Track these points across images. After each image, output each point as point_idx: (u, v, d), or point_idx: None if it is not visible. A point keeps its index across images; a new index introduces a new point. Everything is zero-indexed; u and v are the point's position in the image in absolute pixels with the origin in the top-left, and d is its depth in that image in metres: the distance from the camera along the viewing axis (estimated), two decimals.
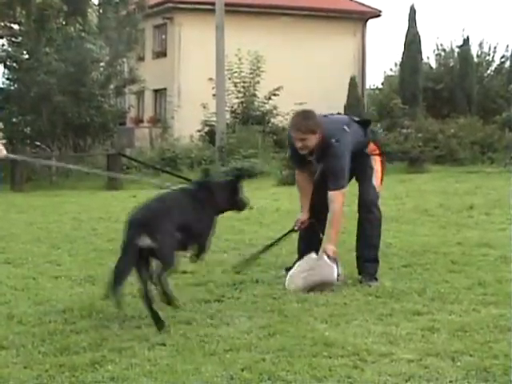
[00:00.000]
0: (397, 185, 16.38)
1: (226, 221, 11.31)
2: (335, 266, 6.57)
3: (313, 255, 6.76)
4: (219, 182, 6.48)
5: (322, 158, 6.88)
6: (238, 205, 6.47)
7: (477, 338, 4.90)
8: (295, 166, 7.44)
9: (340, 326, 5.31)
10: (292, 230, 7.32)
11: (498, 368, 4.33)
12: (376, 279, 6.78)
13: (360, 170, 7.08)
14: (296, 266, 6.76)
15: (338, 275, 6.59)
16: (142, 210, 5.84)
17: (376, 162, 7.15)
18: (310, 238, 7.18)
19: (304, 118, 6.88)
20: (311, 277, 6.53)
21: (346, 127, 6.96)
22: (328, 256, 6.59)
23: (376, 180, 7.09)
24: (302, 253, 7.02)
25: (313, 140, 6.78)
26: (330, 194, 6.78)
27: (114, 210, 13.53)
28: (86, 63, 24.07)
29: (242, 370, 4.43)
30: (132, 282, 6.88)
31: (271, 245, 7.58)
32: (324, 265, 6.56)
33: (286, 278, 6.71)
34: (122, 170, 21.82)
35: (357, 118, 7.34)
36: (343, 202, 6.81)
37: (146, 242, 5.51)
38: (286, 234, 7.45)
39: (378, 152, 7.20)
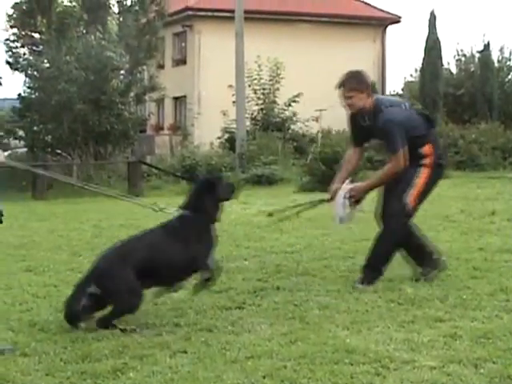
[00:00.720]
0: None
1: (246, 228, 11.34)
2: (341, 205, 6.85)
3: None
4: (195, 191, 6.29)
5: (374, 126, 6.82)
6: (223, 196, 6.44)
7: (500, 345, 4.87)
8: (351, 140, 7.32)
9: (362, 333, 5.29)
10: (323, 200, 7.27)
11: None
12: (368, 284, 6.72)
13: (400, 177, 6.80)
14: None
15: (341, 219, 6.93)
16: (103, 257, 5.89)
17: (421, 176, 6.84)
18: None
19: (349, 77, 6.94)
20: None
21: (403, 105, 7.00)
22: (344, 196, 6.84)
23: (410, 196, 6.80)
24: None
25: (359, 99, 6.82)
26: (390, 159, 6.81)
27: (135, 217, 13.54)
28: (107, 71, 24.17)
29: (264, 378, 4.42)
30: (153, 289, 6.91)
31: (301, 206, 7.66)
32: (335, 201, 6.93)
33: None
34: (143, 177, 21.89)
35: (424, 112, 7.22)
36: (401, 165, 6.69)
37: (94, 289, 5.66)
38: (318, 202, 7.35)
39: (429, 161, 6.86)
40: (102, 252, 6.00)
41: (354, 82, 6.88)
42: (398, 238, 6.91)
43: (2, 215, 5.34)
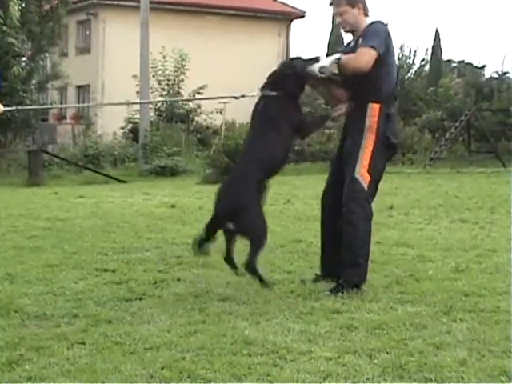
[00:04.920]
0: (319, 184, 16.49)
1: (148, 219, 11.30)
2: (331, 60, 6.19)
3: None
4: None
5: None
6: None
7: (393, 336, 4.99)
8: None
9: (260, 324, 5.34)
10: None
11: (413, 365, 4.42)
12: (356, 286, 6.17)
13: (348, 145, 6.38)
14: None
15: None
16: (228, 190, 6.17)
17: (367, 143, 6.28)
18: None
19: None
20: None
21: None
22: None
23: (361, 169, 6.23)
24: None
25: (352, 15, 6.35)
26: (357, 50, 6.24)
27: (35, 206, 13.35)
28: (8, 57, 23.66)
29: (162, 369, 4.42)
30: (52, 279, 6.83)
31: None
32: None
33: None
34: (44, 166, 21.52)
35: None
36: (368, 60, 6.11)
37: (231, 227, 6.00)
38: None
39: (374, 127, 6.27)
40: (224, 185, 6.26)
41: None
42: (363, 220, 6.34)
43: None
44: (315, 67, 6.17)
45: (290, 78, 6.20)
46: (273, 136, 6.12)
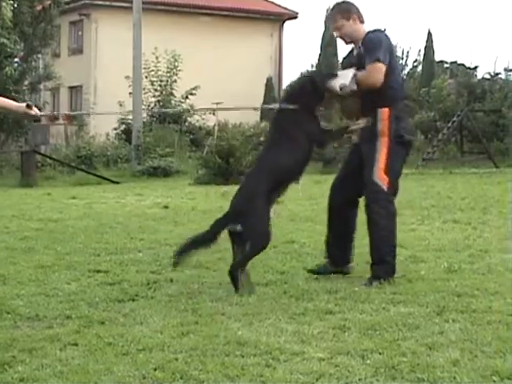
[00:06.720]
0: (312, 185, 16.53)
1: (141, 220, 11.30)
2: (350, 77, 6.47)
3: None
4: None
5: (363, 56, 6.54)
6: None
7: (386, 337, 4.99)
8: None
9: (253, 325, 5.33)
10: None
11: (405, 365, 4.42)
12: (381, 280, 6.48)
13: (364, 150, 6.63)
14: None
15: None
16: (238, 195, 6.38)
17: (381, 146, 6.55)
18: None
19: (332, 8, 6.82)
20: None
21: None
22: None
23: (378, 171, 6.56)
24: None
25: (348, 27, 6.62)
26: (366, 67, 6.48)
27: (28, 207, 13.33)
28: (0, 58, 23.60)
29: (155, 370, 4.41)
30: (45, 280, 6.82)
31: None
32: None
33: None
34: (37, 167, 21.49)
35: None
36: (380, 76, 6.43)
37: (236, 228, 6.18)
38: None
39: (386, 130, 6.54)
40: (239, 189, 6.43)
41: (335, 12, 6.72)
42: (385, 219, 6.71)
43: None
44: (336, 84, 6.46)
45: (309, 92, 6.43)
46: (288, 147, 6.34)
